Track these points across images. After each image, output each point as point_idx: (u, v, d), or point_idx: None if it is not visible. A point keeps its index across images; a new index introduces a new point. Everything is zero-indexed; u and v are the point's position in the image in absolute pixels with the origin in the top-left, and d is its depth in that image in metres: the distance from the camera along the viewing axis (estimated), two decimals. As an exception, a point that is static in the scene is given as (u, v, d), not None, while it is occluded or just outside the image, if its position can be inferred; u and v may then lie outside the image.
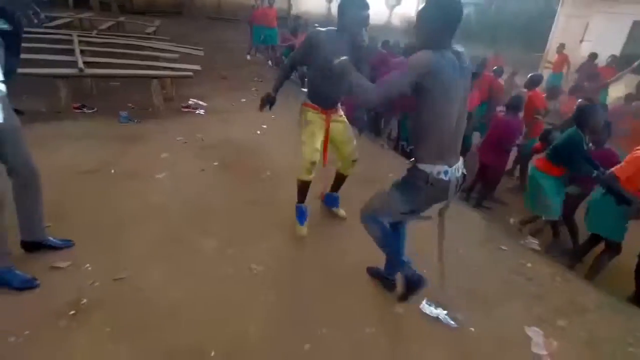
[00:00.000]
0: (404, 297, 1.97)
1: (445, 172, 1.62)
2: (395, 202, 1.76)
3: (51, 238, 2.16)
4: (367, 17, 2.06)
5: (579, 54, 7.27)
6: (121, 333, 1.72)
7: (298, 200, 2.58)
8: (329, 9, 16.25)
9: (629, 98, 4.79)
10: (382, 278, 2.14)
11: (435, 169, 1.62)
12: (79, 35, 5.86)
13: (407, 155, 4.94)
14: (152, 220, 2.56)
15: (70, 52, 5.06)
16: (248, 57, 9.08)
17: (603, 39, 6.70)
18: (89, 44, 5.85)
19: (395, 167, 3.94)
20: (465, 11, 1.57)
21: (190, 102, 5.17)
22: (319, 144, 2.33)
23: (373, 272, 2.22)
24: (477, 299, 2.15)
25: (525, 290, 2.28)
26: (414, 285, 1.86)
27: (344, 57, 1.69)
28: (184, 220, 2.59)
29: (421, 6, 1.67)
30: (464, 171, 1.75)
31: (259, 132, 4.55)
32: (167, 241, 2.36)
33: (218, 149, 3.84)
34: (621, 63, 6.57)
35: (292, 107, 5.72)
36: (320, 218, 2.84)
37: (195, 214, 2.68)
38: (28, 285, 1.90)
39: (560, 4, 8.63)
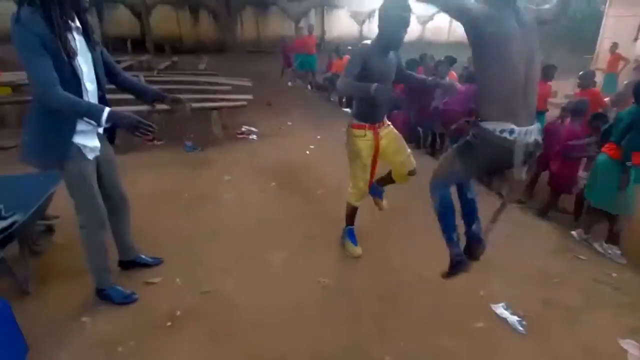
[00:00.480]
0: (445, 275, 1.89)
1: (511, 132, 1.48)
2: (458, 162, 1.71)
3: (143, 256, 2.41)
4: (409, 19, 1.97)
5: (632, 53, 6.84)
6: (214, 340, 1.88)
7: (347, 223, 2.60)
8: (361, 31, 16.73)
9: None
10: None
11: (499, 126, 1.50)
12: (145, 76, 6.58)
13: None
14: (226, 237, 2.78)
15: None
16: (290, 84, 9.59)
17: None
18: (152, 82, 6.55)
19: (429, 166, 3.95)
20: None
21: (243, 129, 5.55)
22: (369, 174, 2.38)
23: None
24: (559, 309, 2.08)
25: (612, 300, 2.16)
26: (455, 265, 1.81)
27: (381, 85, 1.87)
28: (254, 236, 2.79)
29: None
30: (539, 138, 1.58)
31: (307, 152, 4.77)
32: (241, 255, 2.55)
33: (273, 171, 4.09)
34: None
35: (334, 127, 5.99)
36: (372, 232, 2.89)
37: (262, 230, 2.88)
38: (128, 300, 2.11)
39: (607, 4, 8.25)
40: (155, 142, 4.89)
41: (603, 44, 8.25)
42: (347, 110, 7.34)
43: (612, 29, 8.04)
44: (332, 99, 8.09)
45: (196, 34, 15.59)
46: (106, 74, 1.87)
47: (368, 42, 2.15)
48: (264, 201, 3.38)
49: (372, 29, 16.74)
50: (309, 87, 9.35)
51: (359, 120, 2.27)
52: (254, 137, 5.30)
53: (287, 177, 3.92)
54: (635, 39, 7.41)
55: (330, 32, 15.69)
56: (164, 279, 2.32)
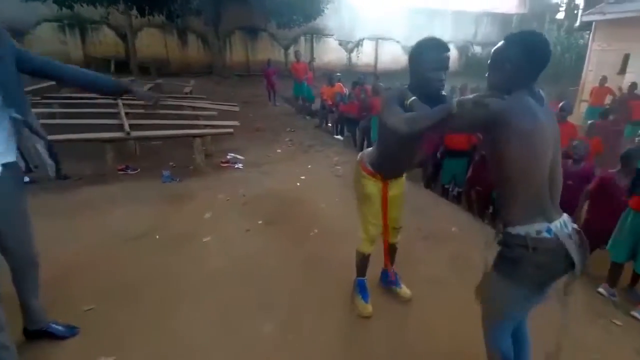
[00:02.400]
0: None
1: (548, 230, 1.28)
2: (505, 296, 1.37)
3: (54, 325, 1.88)
4: (447, 59, 1.67)
5: (616, 86, 6.90)
6: None
7: (358, 274, 2.24)
8: (349, 59, 16.93)
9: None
10: None
11: (534, 228, 1.28)
12: (122, 99, 6.17)
13: (457, 200, 4.58)
14: (203, 295, 2.32)
15: (116, 115, 5.28)
16: (275, 104, 9.60)
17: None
18: (132, 106, 6.14)
19: (455, 219, 3.61)
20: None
21: (228, 157, 5.16)
22: (381, 219, 2.06)
23: None
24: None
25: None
26: None
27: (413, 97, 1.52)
28: (237, 292, 2.34)
29: (500, 44, 1.40)
30: (575, 226, 1.37)
31: (298, 183, 4.40)
32: (222, 323, 2.09)
33: (261, 205, 3.68)
34: None
35: (326, 155, 5.69)
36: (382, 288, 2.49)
37: (248, 283, 2.43)
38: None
39: (591, 38, 8.48)
40: (129, 171, 4.43)
41: (588, 76, 8.40)
42: (339, 137, 7.09)
43: (597, 62, 8.21)
44: (322, 126, 7.84)
45: (183, 56, 15.39)
46: (50, 79, 1.82)
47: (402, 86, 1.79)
48: (249, 244, 2.94)
49: (360, 57, 17.02)
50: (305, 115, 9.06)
51: (373, 168, 1.97)
52: (240, 165, 4.91)
53: (276, 213, 3.51)
54: (619, 72, 7.53)
55: (319, 59, 15.74)
56: (119, 358, 1.83)
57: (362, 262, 2.20)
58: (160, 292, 2.32)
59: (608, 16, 7.54)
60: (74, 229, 3.04)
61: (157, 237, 2.99)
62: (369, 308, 2.16)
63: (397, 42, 17.23)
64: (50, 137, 3.45)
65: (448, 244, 3.06)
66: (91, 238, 2.91)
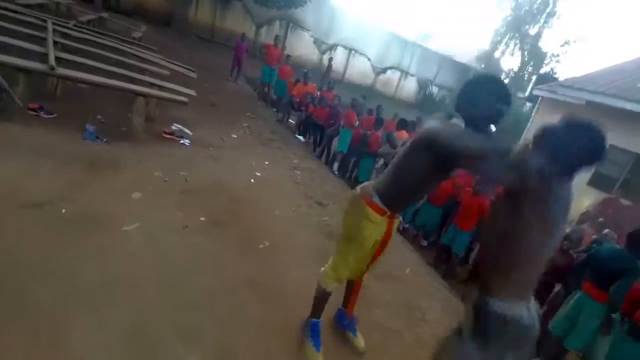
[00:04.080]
0: None
1: (528, 310, 1.32)
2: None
3: None
4: (504, 113, 1.52)
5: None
6: None
7: (312, 314, 1.93)
8: (321, 60, 16.64)
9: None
10: None
11: (514, 312, 1.29)
12: (54, 24, 4.98)
13: (422, 248, 4.30)
14: (113, 304, 1.78)
15: (41, 41, 4.19)
16: (230, 80, 8.96)
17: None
18: (64, 35, 4.99)
19: (411, 260, 3.50)
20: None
21: (173, 128, 4.45)
22: (364, 265, 1.84)
23: None
24: None
25: None
26: None
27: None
28: (157, 310, 1.84)
29: (557, 124, 1.35)
30: (539, 311, 1.41)
31: (252, 180, 3.93)
32: (129, 348, 1.59)
33: (205, 197, 3.15)
34: (596, 182, 7.17)
35: (286, 156, 5.28)
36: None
37: (174, 300, 1.94)
38: None
39: (535, 110, 9.48)
40: (42, 113, 3.49)
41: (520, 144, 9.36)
42: (301, 138, 6.72)
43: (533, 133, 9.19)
44: (283, 121, 7.38)
45: (140, -5, 13.47)
46: None
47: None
48: (182, 246, 2.42)
49: (333, 62, 16.84)
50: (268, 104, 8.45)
51: (383, 202, 1.66)
52: (187, 141, 4.24)
53: (223, 211, 3.02)
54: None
55: (291, 50, 15.12)
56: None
57: (322, 299, 1.90)
58: (54, 291, 1.72)
59: (555, 96, 8.48)
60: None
61: (63, 210, 2.30)
62: (319, 358, 1.84)
63: (369, 59, 17.47)
64: None
65: (403, 287, 2.91)
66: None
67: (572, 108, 8.09)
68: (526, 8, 19.00)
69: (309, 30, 16.10)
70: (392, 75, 18.51)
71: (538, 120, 9.29)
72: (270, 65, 8.07)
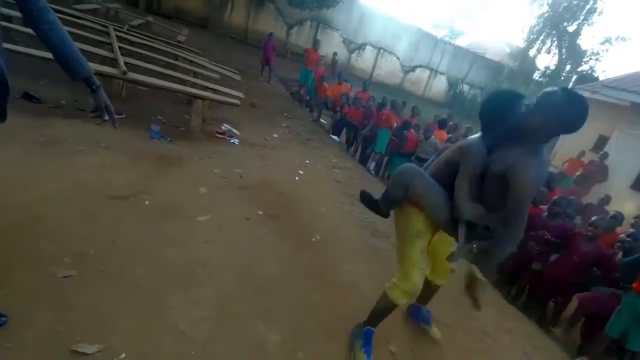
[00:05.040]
0: None
1: None
2: None
3: None
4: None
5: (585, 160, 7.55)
6: None
7: (369, 322, 1.93)
8: (349, 59, 16.74)
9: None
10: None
11: None
12: (115, 29, 5.42)
13: None
14: (197, 285, 2.03)
15: (105, 45, 4.60)
16: (262, 79, 9.35)
17: (622, 155, 7.05)
18: (122, 40, 5.41)
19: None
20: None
21: (224, 128, 4.75)
22: (426, 262, 1.86)
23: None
24: None
25: None
26: None
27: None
28: (237, 292, 2.08)
29: (555, 94, 1.50)
30: None
31: (297, 178, 4.15)
32: (221, 323, 1.84)
33: (259, 193, 3.39)
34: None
35: (324, 156, 5.48)
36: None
37: (249, 284, 2.18)
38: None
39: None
40: (113, 114, 3.85)
41: (563, 145, 9.10)
42: (335, 138, 6.91)
43: (574, 134, 8.91)
44: (317, 121, 7.59)
45: None
46: (21, 11, 1.27)
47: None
48: (250, 236, 2.67)
49: (359, 61, 16.90)
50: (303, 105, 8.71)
51: None
52: (236, 141, 4.52)
53: (277, 206, 3.25)
54: (592, 149, 8.26)
55: (320, 50, 15.35)
56: (105, 348, 1.51)
57: (386, 311, 1.87)
58: (150, 270, 1.99)
59: (597, 96, 8.21)
60: (43, 169, 2.54)
61: (147, 202, 2.60)
62: None
63: (397, 58, 17.40)
64: (30, 51, 2.88)
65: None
66: (65, 184, 2.45)
67: (616, 110, 7.81)
68: (565, 4, 18.28)
69: (338, 30, 16.23)
70: (421, 74, 18.33)
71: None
72: (308, 68, 8.30)
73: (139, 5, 13.02)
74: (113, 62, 4.00)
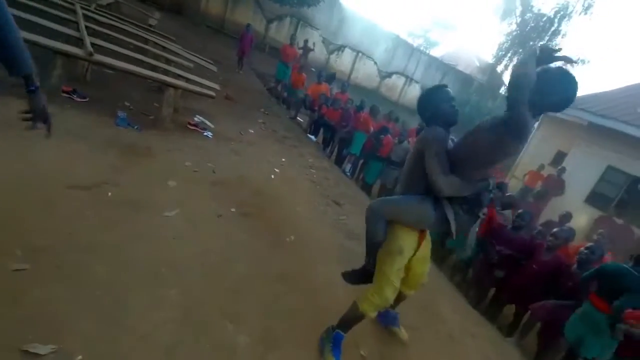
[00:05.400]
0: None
1: None
2: None
3: None
4: (448, 110, 1.87)
5: (544, 173, 8.05)
6: None
7: (340, 326, 1.95)
8: (328, 60, 16.77)
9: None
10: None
11: None
12: (82, 7, 5.03)
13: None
14: (165, 283, 1.91)
15: (71, 24, 4.26)
16: (240, 72, 9.18)
17: (577, 171, 7.57)
18: (89, 19, 5.03)
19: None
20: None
21: (196, 120, 4.56)
22: (400, 279, 1.89)
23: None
24: None
25: None
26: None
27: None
28: (205, 292, 1.98)
29: (554, 68, 1.62)
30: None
31: (272, 176, 4.07)
32: (187, 325, 1.74)
33: (233, 189, 3.28)
34: (592, 200, 7.48)
35: (300, 154, 5.42)
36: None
37: (219, 285, 2.08)
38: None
39: (536, 128, 9.76)
40: (76, 97, 3.58)
41: (524, 157, 9.65)
42: (312, 137, 6.86)
43: (534, 147, 9.48)
44: (294, 119, 7.52)
45: (154, -18, 13.43)
46: None
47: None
48: (221, 233, 2.56)
49: (338, 63, 16.97)
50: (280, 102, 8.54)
51: None
52: (209, 134, 4.35)
53: (250, 204, 3.16)
54: (551, 164, 8.81)
55: (297, 47, 15.23)
56: (59, 349, 1.38)
57: (356, 320, 1.92)
58: (111, 268, 1.85)
59: (557, 115, 8.77)
60: (-7, 153, 2.29)
61: (109, 194, 2.42)
62: None
63: (375, 62, 17.66)
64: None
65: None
66: (20, 171, 2.22)
67: (574, 128, 8.38)
68: (532, 25, 19.39)
69: (318, 29, 16.21)
70: (397, 81, 18.72)
71: (538, 136, 9.58)
72: (286, 63, 8.19)
73: (109, -16, 12.26)
74: (78, 42, 3.71)
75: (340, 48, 16.84)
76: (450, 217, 1.75)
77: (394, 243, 1.82)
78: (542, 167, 7.71)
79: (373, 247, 1.90)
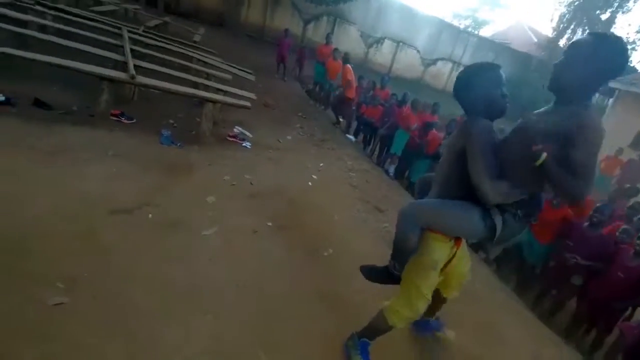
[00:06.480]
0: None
1: None
2: None
3: None
4: (498, 99, 1.59)
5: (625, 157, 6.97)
6: None
7: (365, 334, 1.85)
8: (367, 54, 16.37)
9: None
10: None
11: None
12: (129, 31, 5.38)
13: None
14: (199, 308, 1.89)
15: (118, 48, 4.56)
16: (278, 77, 9.21)
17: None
18: (135, 42, 5.37)
19: (479, 273, 3.34)
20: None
21: (235, 131, 4.63)
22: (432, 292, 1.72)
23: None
24: None
25: None
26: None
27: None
28: (240, 317, 1.93)
29: (587, 38, 1.42)
30: None
31: (310, 183, 3.98)
32: (219, 355, 1.69)
33: (269, 201, 3.24)
34: None
35: (339, 156, 5.28)
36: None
37: (253, 308, 2.02)
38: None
39: (611, 104, 8.54)
40: (124, 119, 3.80)
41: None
42: (351, 137, 6.68)
43: (610, 130, 8.29)
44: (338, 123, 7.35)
45: (197, -2, 14.12)
46: None
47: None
48: (256, 252, 2.51)
49: (377, 55, 16.47)
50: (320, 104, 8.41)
51: None
52: (248, 144, 4.39)
53: (287, 215, 3.09)
54: (630, 145, 7.64)
55: (336, 44, 15.05)
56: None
57: (383, 332, 1.79)
58: (147, 295, 1.87)
59: (634, 88, 7.57)
60: (43, 180, 2.46)
61: (150, 215, 2.49)
62: None
63: (417, 51, 16.84)
64: (37, 57, 2.80)
65: (473, 305, 2.77)
66: (64, 198, 2.36)
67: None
68: (597, -10, 17.09)
69: (355, 24, 15.86)
70: (443, 67, 17.67)
71: (615, 115, 8.37)
72: (322, 64, 8.05)
73: (158, 6, 13.14)
74: (124, 66, 3.94)
75: (379, 40, 16.32)
76: (499, 227, 1.50)
77: (427, 257, 1.62)
78: (620, 151, 6.68)
79: (402, 256, 1.70)
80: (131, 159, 3.12)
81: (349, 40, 16.01)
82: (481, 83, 1.57)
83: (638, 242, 2.76)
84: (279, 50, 9.23)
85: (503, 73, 1.59)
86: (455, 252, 1.73)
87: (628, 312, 3.01)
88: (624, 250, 2.87)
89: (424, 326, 2.17)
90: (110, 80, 3.57)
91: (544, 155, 1.33)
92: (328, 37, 8.33)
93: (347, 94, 6.55)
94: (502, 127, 6.82)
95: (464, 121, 1.61)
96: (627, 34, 17.55)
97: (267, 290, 2.18)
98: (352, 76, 6.64)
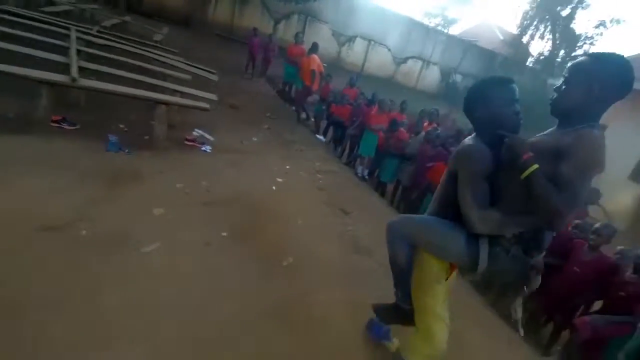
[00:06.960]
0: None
1: None
2: None
3: None
4: (510, 116, 1.45)
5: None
6: None
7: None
8: (339, 52, 16.30)
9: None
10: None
11: None
12: (77, 31, 5.00)
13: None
14: (133, 339, 1.67)
15: (64, 50, 4.20)
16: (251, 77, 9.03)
17: (619, 146, 6.69)
18: (87, 43, 4.99)
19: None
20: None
21: (195, 134, 4.37)
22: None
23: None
24: None
25: None
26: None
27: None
28: (178, 348, 1.72)
29: (586, 59, 1.36)
30: None
31: (274, 187, 3.79)
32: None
33: (227, 209, 3.03)
34: (637, 176, 6.59)
35: (307, 158, 5.12)
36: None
37: (196, 335, 1.82)
38: None
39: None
40: (65, 125, 3.48)
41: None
42: (321, 137, 6.53)
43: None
44: (308, 120, 7.20)
45: (161, -3, 13.55)
46: None
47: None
48: (205, 268, 2.29)
49: (349, 54, 16.43)
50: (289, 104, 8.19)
51: None
52: (208, 148, 4.15)
53: (245, 224, 2.89)
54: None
55: (308, 44, 14.89)
56: None
57: None
58: (72, 326, 1.64)
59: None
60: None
61: (83, 232, 2.23)
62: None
63: (389, 49, 16.94)
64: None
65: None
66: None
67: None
68: (558, -12, 17.76)
69: (326, 22, 15.75)
70: (413, 65, 17.89)
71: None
72: (293, 64, 7.83)
73: (119, 5, 12.52)
74: (66, 68, 3.61)
75: (351, 39, 16.30)
76: (483, 255, 1.38)
77: (428, 272, 1.52)
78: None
79: (399, 275, 1.60)
80: (69, 169, 2.83)
81: (321, 39, 15.74)
82: (491, 101, 1.44)
83: (592, 236, 2.76)
84: (249, 50, 8.99)
85: (516, 87, 1.46)
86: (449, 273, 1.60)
87: (583, 307, 3.00)
88: (579, 245, 2.86)
89: (377, 331, 2.03)
90: (49, 83, 3.25)
91: (535, 166, 1.22)
92: (297, 37, 8.09)
93: (306, 83, 6.36)
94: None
95: (461, 144, 1.50)
96: (586, 29, 18.42)
97: (213, 312, 1.98)
98: (318, 68, 6.44)
